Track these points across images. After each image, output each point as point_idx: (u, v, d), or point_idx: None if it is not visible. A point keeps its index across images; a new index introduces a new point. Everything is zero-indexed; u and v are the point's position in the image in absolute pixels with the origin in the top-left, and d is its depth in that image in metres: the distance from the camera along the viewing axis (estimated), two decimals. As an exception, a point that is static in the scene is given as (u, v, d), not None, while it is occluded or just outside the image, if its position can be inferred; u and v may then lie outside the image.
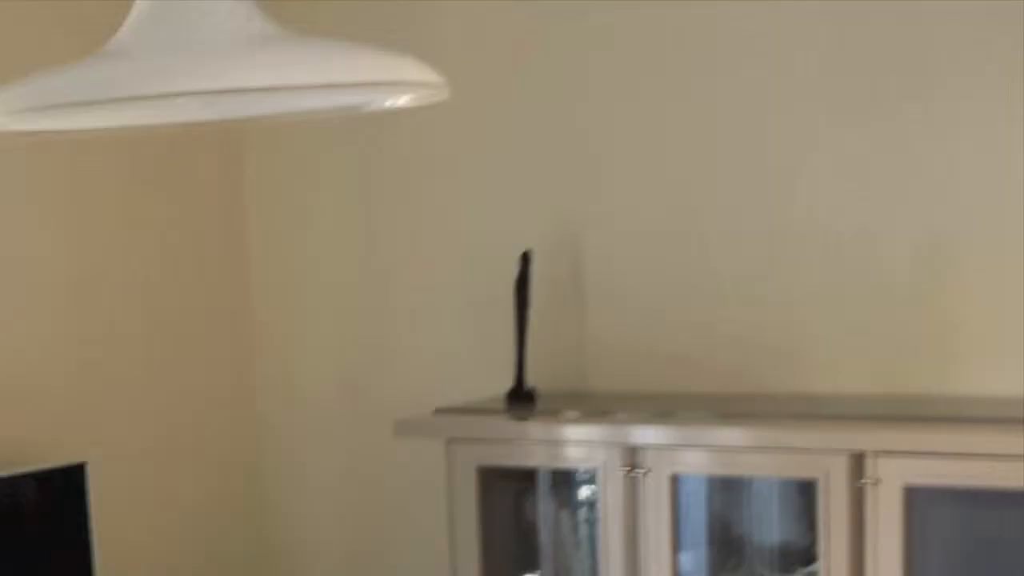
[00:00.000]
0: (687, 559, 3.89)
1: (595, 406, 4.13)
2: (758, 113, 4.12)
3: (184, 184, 4.88)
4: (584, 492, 4.13)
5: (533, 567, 4.30)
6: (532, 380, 4.25)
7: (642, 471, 3.78)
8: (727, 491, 4.01)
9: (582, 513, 4.15)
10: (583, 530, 4.15)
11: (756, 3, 4.07)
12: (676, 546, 3.80)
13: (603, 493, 3.87)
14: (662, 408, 3.97)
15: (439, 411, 4.23)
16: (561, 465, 4.12)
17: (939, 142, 3.88)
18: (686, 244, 4.27)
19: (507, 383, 4.25)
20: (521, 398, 4.20)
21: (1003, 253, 3.79)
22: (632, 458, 3.80)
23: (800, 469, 3.66)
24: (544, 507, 4.24)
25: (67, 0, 4.36)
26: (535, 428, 4.08)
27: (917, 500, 3.47)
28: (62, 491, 4.23)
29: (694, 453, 3.80)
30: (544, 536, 4.26)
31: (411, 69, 2.16)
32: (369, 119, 4.31)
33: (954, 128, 3.85)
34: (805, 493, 3.68)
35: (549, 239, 4.43)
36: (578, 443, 3.98)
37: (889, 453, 3.47)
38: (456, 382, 4.54)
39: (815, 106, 4.05)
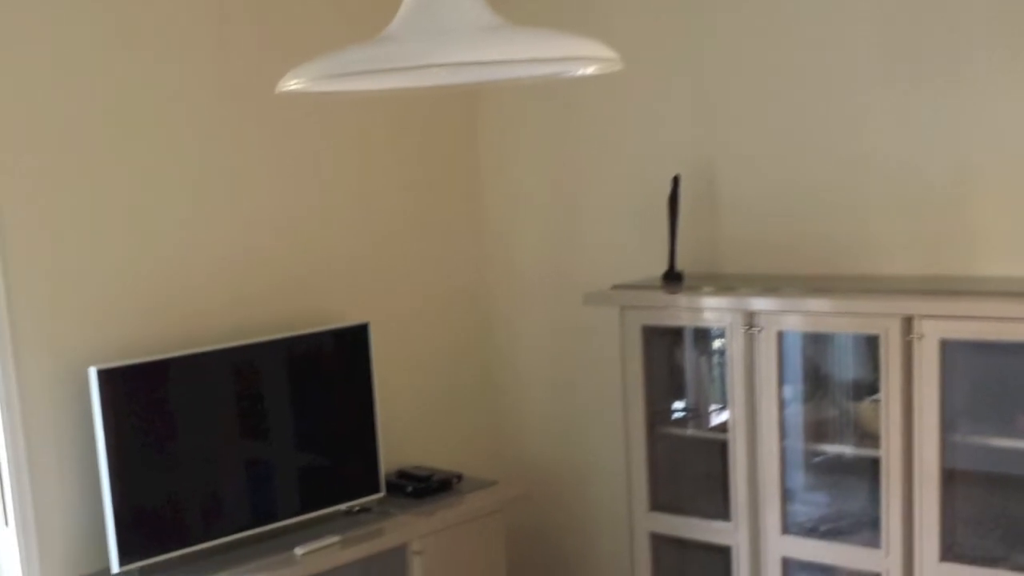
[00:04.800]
0: (788, 390, 3.97)
1: (724, 283, 4.20)
2: (836, 75, 4.13)
3: (436, 128, 5.02)
4: (717, 344, 4.20)
5: (681, 397, 4.43)
6: (680, 265, 4.36)
7: (757, 329, 3.91)
8: (816, 343, 4.02)
9: (715, 359, 4.24)
10: (716, 371, 4.24)
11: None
12: (781, 381, 3.91)
13: (730, 345, 3.99)
14: (771, 285, 4.06)
15: (615, 287, 4.38)
16: (700, 325, 4.16)
17: (968, 96, 3.87)
18: (788, 169, 4.29)
19: (662, 267, 4.37)
20: (672, 278, 4.31)
21: (1015, 175, 3.82)
22: (750, 320, 3.92)
23: (867, 327, 3.71)
24: (688, 355, 4.37)
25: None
26: (682, 299, 4.12)
27: (950, 350, 3.56)
28: (351, 343, 4.40)
29: (793, 316, 3.86)
30: (688, 375, 4.38)
31: (596, 48, 2.27)
32: (566, 82, 4.32)
33: (980, 86, 3.85)
34: (871, 345, 3.75)
35: (692, 166, 4.48)
36: (712, 310, 4.03)
37: (930, 316, 3.55)
38: (627, 266, 4.62)
39: (878, 71, 4.04)
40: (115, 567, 3.79)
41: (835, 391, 4.07)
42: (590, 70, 2.45)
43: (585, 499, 5.10)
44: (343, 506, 4.38)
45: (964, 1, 3.87)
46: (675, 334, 4.34)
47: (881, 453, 3.71)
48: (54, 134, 3.81)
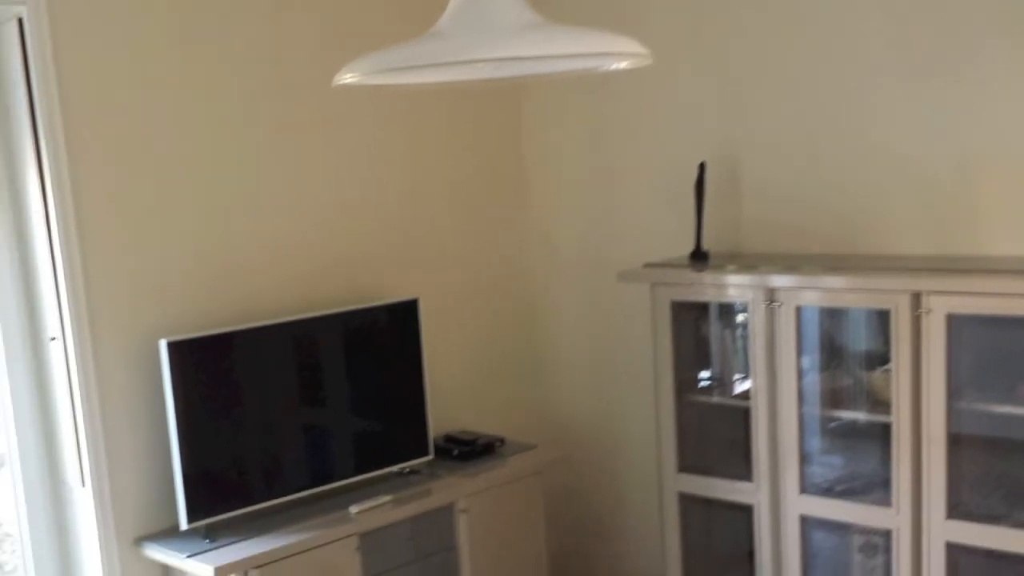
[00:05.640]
0: (806, 360, 4.00)
1: (747, 262, 4.21)
2: (851, 70, 4.15)
3: (482, 119, 5.06)
4: (740, 318, 4.21)
5: (707, 367, 4.44)
6: (706, 245, 4.43)
7: (777, 304, 3.94)
8: (832, 317, 4.04)
9: (739, 332, 4.25)
10: (739, 343, 4.25)
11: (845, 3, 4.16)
12: (799, 352, 3.94)
13: (752, 318, 4.02)
14: (790, 263, 4.08)
15: (647, 265, 4.42)
16: (725, 300, 4.18)
17: (973, 87, 3.88)
18: (806, 156, 4.31)
19: (690, 247, 4.43)
20: (699, 257, 4.35)
21: (1017, 162, 3.83)
22: (771, 296, 3.96)
23: (879, 302, 3.74)
24: (714, 328, 4.39)
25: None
26: (708, 276, 4.14)
27: (956, 324, 3.60)
28: (402, 318, 4.44)
29: (811, 292, 3.88)
30: (714, 347, 4.40)
31: (628, 44, 2.34)
32: (601, 77, 4.60)
33: (984, 78, 3.86)
34: (882, 319, 3.79)
35: (717, 153, 4.51)
36: (736, 286, 4.06)
37: (938, 292, 3.59)
38: (657, 246, 4.69)
39: (889, 65, 4.06)
40: (183, 524, 3.86)
41: (849, 362, 4.08)
42: (623, 65, 2.51)
43: (618, 461, 5.14)
44: (395, 468, 4.43)
45: (968, 2, 3.90)
46: (701, 309, 4.36)
47: (892, 419, 3.76)
48: (129, 124, 3.88)
